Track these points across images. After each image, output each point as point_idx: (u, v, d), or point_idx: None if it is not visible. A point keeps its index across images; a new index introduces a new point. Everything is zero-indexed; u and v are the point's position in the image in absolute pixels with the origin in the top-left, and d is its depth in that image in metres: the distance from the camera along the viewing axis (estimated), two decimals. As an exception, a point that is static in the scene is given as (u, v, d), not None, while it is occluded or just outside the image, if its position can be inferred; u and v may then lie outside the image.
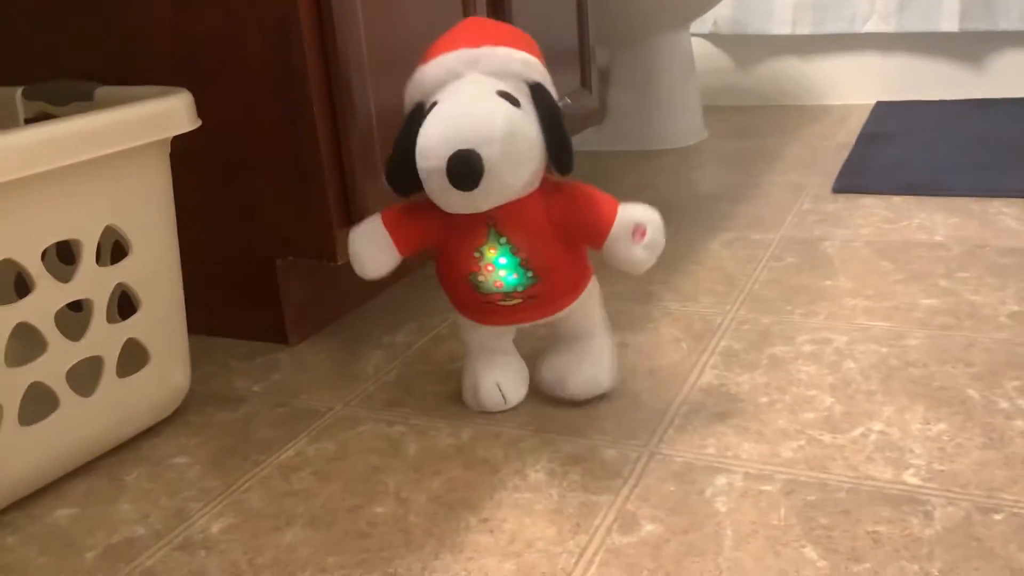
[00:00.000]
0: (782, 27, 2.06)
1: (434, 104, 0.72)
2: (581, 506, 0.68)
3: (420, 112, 0.74)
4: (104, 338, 0.77)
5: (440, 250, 0.78)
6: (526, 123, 0.71)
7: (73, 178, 0.72)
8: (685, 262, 1.17)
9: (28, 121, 0.91)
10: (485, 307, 0.78)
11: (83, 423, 0.76)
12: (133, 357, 0.81)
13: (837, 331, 0.94)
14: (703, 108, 2.19)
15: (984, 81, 2.01)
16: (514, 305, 0.77)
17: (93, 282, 0.75)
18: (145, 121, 0.75)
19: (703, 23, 2.15)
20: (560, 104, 0.76)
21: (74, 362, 0.75)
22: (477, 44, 0.74)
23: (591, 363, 0.82)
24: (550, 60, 1.36)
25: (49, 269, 0.73)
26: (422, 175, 0.71)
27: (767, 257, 1.16)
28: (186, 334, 0.85)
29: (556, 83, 1.38)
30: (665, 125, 1.82)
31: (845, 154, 1.64)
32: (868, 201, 1.35)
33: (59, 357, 0.73)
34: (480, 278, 0.76)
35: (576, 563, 0.62)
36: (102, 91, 0.85)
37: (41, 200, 0.70)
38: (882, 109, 1.97)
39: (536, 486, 0.71)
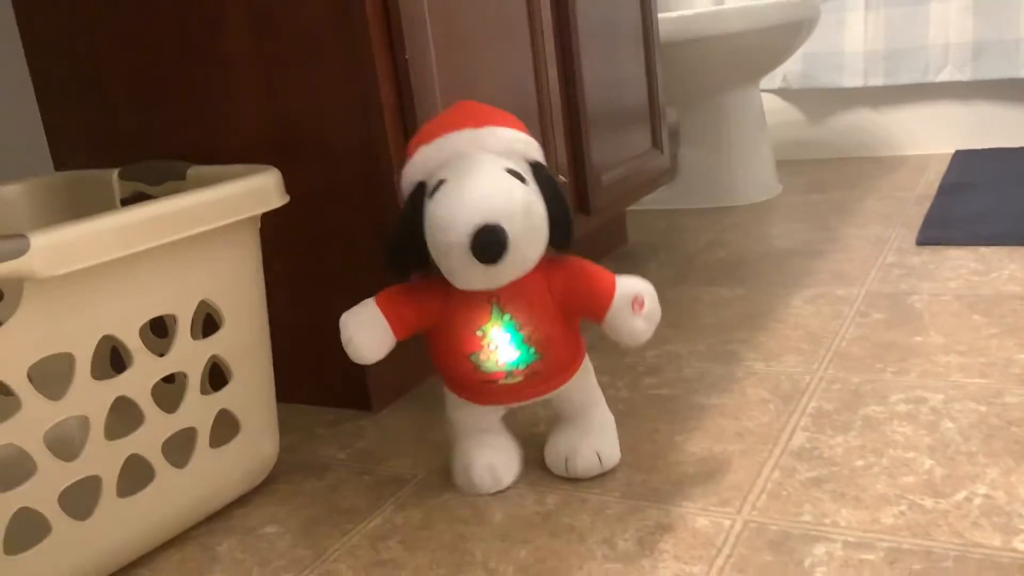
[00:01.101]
0: (853, 79, 2.05)
1: (441, 182, 0.72)
2: (674, 576, 0.67)
3: (423, 191, 0.74)
4: (198, 410, 0.79)
5: (438, 331, 0.77)
6: (537, 200, 0.72)
7: (169, 256, 0.75)
8: (766, 320, 1.15)
9: (124, 201, 0.95)
10: (485, 387, 0.77)
11: (177, 494, 0.78)
12: (225, 427, 0.82)
13: (932, 389, 0.91)
14: (776, 163, 2.17)
15: (1068, 126, 1.95)
16: (515, 384, 0.77)
17: (188, 355, 0.77)
18: (236, 199, 0.78)
19: (773, 78, 2.14)
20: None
21: (170, 434, 0.77)
22: (480, 124, 0.75)
23: (594, 439, 0.81)
24: (621, 121, 1.37)
25: (144, 341, 0.75)
26: (441, 250, 0.71)
27: (853, 313, 1.13)
28: (275, 404, 0.87)
29: (627, 143, 1.39)
30: (737, 181, 1.82)
31: (926, 205, 1.61)
32: (954, 253, 1.32)
33: (155, 429, 0.75)
34: (482, 357, 0.75)
35: (673, 637, 0.60)
36: (194, 171, 0.89)
37: (139, 277, 0.73)
38: (962, 158, 1.93)
39: (626, 556, 0.70)
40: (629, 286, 0.77)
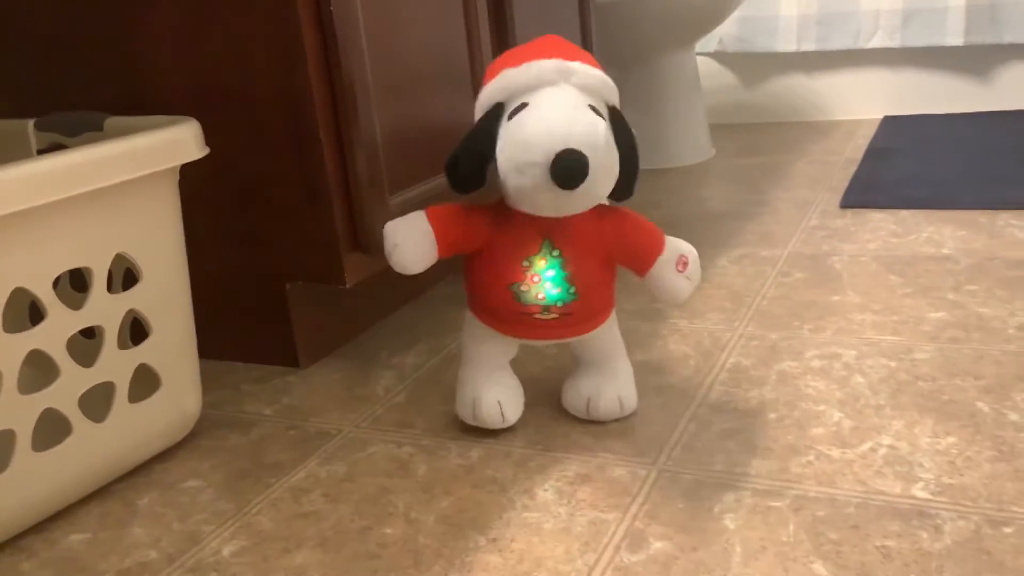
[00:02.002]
0: (787, 44, 2.07)
1: (523, 105, 0.72)
2: (590, 524, 0.68)
3: (499, 111, 0.74)
4: (116, 364, 0.78)
5: (482, 255, 0.78)
6: (613, 140, 0.73)
7: (84, 207, 0.73)
8: (693, 279, 1.17)
9: (40, 152, 0.93)
10: (520, 318, 0.78)
11: (96, 449, 0.77)
12: (145, 383, 0.82)
13: (846, 346, 0.94)
14: (710, 126, 2.20)
15: (990, 94, 2.01)
16: (549, 320, 0.78)
17: (104, 309, 0.76)
18: (154, 150, 0.76)
19: (708, 42, 2.16)
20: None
21: (86, 388, 0.76)
22: (571, 58, 0.75)
23: (617, 385, 0.83)
24: (555, 82, 1.37)
25: (62, 297, 0.74)
26: (517, 169, 0.71)
27: (775, 273, 1.16)
28: (197, 359, 0.86)
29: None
30: (672, 144, 1.83)
31: (853, 169, 1.65)
32: (876, 216, 1.36)
33: (71, 383, 0.74)
34: (523, 288, 0.76)
35: (585, 581, 0.62)
36: (112, 121, 0.87)
37: (52, 229, 0.71)
38: (889, 124, 1.97)
39: (545, 505, 0.71)
40: (676, 244, 0.79)
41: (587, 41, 1.48)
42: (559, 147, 0.69)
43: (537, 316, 0.77)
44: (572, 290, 0.76)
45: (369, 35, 0.95)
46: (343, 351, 1.06)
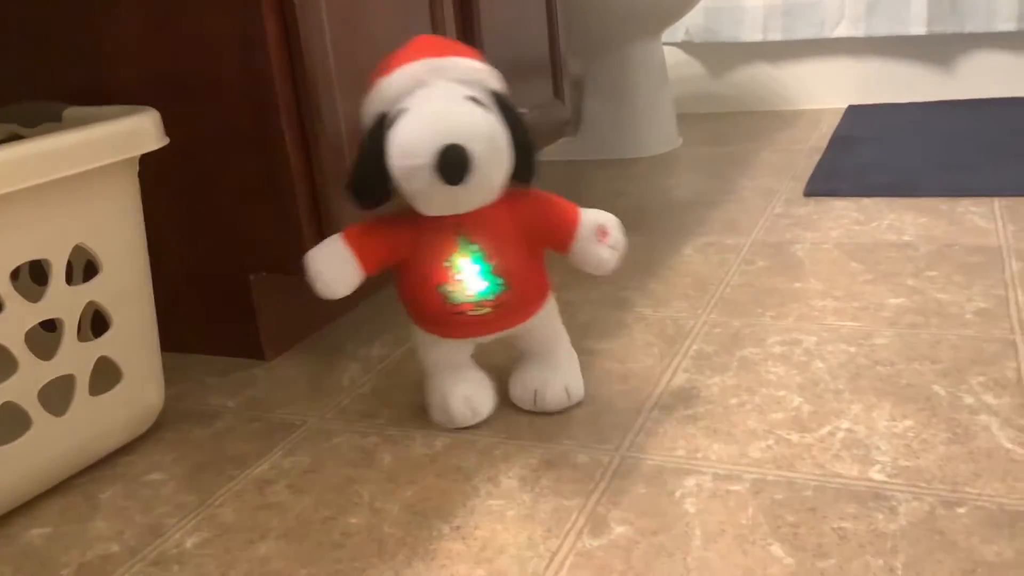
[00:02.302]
0: (753, 34, 2.09)
1: (401, 111, 0.72)
2: (553, 511, 0.69)
3: (384, 122, 0.74)
4: (75, 357, 0.77)
5: (407, 264, 0.78)
6: (500, 126, 0.73)
7: (41, 198, 0.73)
8: (659, 267, 1.18)
9: (-2, 143, 0.91)
10: (454, 319, 0.78)
11: (56, 442, 0.76)
12: (106, 375, 0.81)
13: (806, 332, 0.95)
14: (677, 116, 2.21)
15: (953, 83, 2.04)
16: (484, 315, 0.78)
17: (63, 301, 0.76)
18: (112, 140, 0.76)
19: (675, 32, 2.17)
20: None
21: (46, 381, 0.75)
22: (439, 54, 0.75)
23: (562, 374, 0.83)
24: (521, 71, 1.37)
25: (21, 290, 0.73)
26: (403, 175, 0.71)
27: (739, 261, 1.17)
28: (159, 351, 0.86)
29: (528, 94, 1.40)
30: (639, 134, 1.84)
31: (817, 158, 1.66)
32: (839, 204, 1.37)
33: (30, 376, 0.74)
34: (450, 288, 0.76)
35: (547, 567, 0.63)
36: (70, 111, 0.86)
37: (9, 220, 0.71)
38: (854, 113, 1.99)
39: (508, 492, 0.72)
40: (593, 216, 0.78)
41: (553, 30, 1.48)
42: (440, 144, 0.69)
43: (471, 313, 0.77)
44: (500, 281, 0.76)
45: (332, 24, 0.94)
46: (308, 343, 1.06)
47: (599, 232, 0.78)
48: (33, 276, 0.91)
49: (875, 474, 0.69)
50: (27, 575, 0.68)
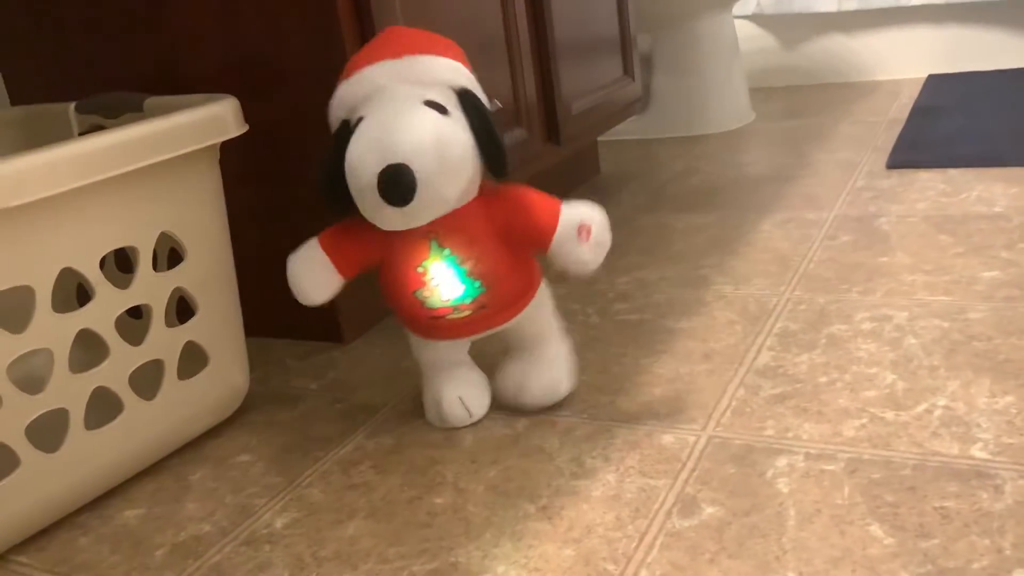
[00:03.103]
0: (827, 4, 2.03)
1: (360, 119, 0.70)
2: (640, 491, 0.68)
3: (346, 129, 0.71)
4: (164, 342, 0.78)
5: (383, 268, 0.75)
6: (457, 130, 0.69)
7: (126, 187, 0.74)
8: (736, 244, 1.15)
9: (82, 135, 0.94)
10: (434, 323, 0.75)
11: (147, 425, 0.78)
12: (193, 360, 0.82)
13: (896, 307, 0.92)
14: (749, 90, 2.16)
15: (1041, 47, 1.95)
16: (463, 318, 0.75)
17: (151, 288, 0.77)
18: (194, 128, 0.77)
19: (746, 4, 2.12)
20: (490, 107, 0.73)
21: (136, 366, 0.77)
22: (399, 54, 0.72)
23: (547, 369, 0.80)
24: (591, 50, 1.36)
25: (108, 277, 0.75)
26: (354, 195, 0.69)
27: (821, 236, 1.14)
28: (243, 335, 0.87)
29: (598, 73, 1.38)
30: (711, 109, 1.80)
31: (898, 130, 1.61)
32: (924, 175, 1.32)
33: (121, 362, 0.75)
34: (426, 294, 0.73)
35: (636, 547, 0.62)
36: (151, 101, 0.87)
37: (97, 209, 0.72)
38: (934, 82, 1.92)
39: (593, 473, 0.71)
40: (574, 214, 0.73)
41: (622, 6, 1.46)
42: (380, 166, 0.66)
43: (450, 317, 0.75)
44: (476, 284, 0.73)
45: (404, 7, 0.94)
46: (386, 325, 1.07)
47: (581, 230, 0.72)
48: (118, 264, 0.93)
49: (977, 452, 0.67)
50: (123, 555, 0.70)
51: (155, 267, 0.78)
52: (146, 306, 0.77)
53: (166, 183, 0.77)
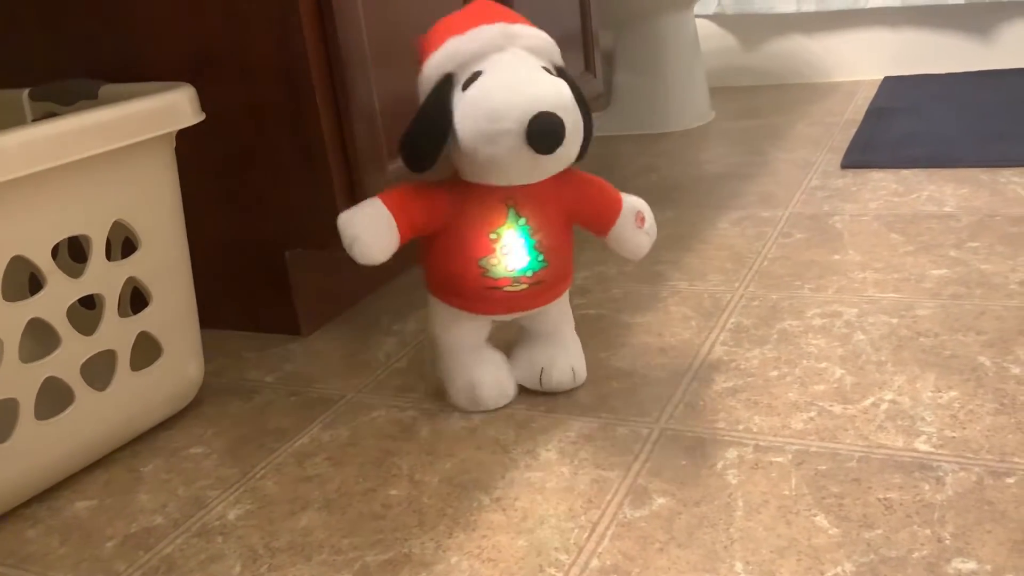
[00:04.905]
0: (787, 5, 2.05)
1: (477, 74, 0.71)
2: (592, 483, 0.69)
3: (450, 83, 0.72)
4: (116, 332, 0.78)
5: (445, 233, 0.76)
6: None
7: (80, 174, 0.73)
8: (693, 241, 1.17)
9: (35, 121, 0.92)
10: (490, 294, 0.76)
11: (99, 417, 0.77)
12: (146, 351, 0.82)
13: (847, 304, 0.93)
14: (709, 89, 2.18)
15: (992, 52, 1.99)
16: (519, 291, 0.76)
17: (103, 277, 0.76)
18: (149, 115, 0.76)
19: (707, 4, 2.14)
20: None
21: (88, 356, 0.76)
22: (514, 20, 0.74)
23: (569, 354, 0.82)
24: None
25: (61, 266, 0.74)
26: (486, 138, 0.68)
27: (776, 234, 1.16)
28: (198, 326, 0.86)
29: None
30: (671, 107, 1.82)
31: (853, 130, 1.63)
32: (877, 175, 1.35)
33: (73, 352, 0.74)
34: (492, 261, 0.75)
35: (588, 537, 0.62)
36: (107, 89, 0.86)
37: (49, 197, 0.71)
38: (890, 84, 1.96)
39: (547, 465, 0.72)
40: (633, 202, 0.79)
41: (585, 2, 1.46)
42: (532, 111, 0.67)
43: (508, 289, 0.75)
44: (540, 257, 0.75)
45: (365, 2, 0.93)
46: (344, 318, 1.06)
47: (637, 217, 0.78)
48: (71, 253, 0.92)
49: (921, 445, 0.68)
50: (73, 547, 0.69)
51: (108, 256, 0.78)
52: (99, 296, 0.76)
53: (121, 171, 0.76)
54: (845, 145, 1.54)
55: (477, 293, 0.76)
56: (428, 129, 0.72)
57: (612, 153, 1.70)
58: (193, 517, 0.71)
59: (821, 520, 0.61)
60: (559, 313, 0.82)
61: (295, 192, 0.95)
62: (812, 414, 0.74)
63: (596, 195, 0.78)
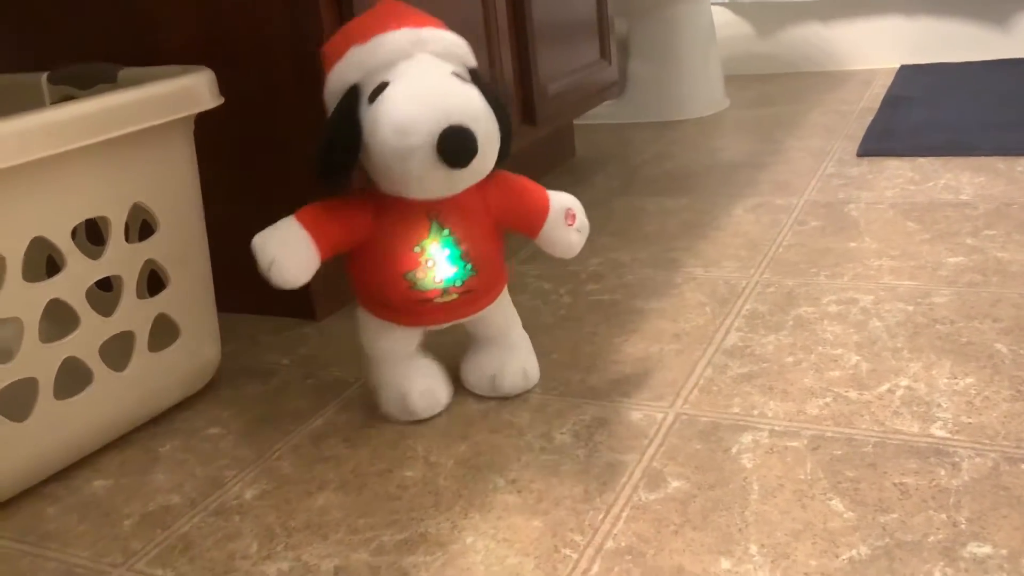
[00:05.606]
0: (803, -7, 2.04)
1: (383, 85, 0.67)
2: (607, 466, 0.69)
3: (356, 94, 0.69)
4: (135, 313, 0.78)
5: (367, 248, 0.73)
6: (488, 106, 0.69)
7: (99, 157, 0.73)
8: (707, 228, 1.16)
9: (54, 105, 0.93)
10: (418, 307, 0.74)
11: (117, 397, 0.78)
12: (164, 332, 0.82)
13: (863, 291, 0.93)
14: (724, 77, 2.17)
15: (1008, 41, 1.98)
16: (449, 302, 0.74)
17: (122, 259, 0.77)
18: (168, 99, 0.76)
19: (722, -8, 2.13)
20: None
21: (106, 337, 0.76)
22: (420, 24, 0.70)
23: (518, 357, 0.80)
24: (568, 32, 1.36)
25: (79, 247, 0.74)
26: (396, 155, 0.65)
27: (791, 221, 1.15)
28: (215, 308, 0.87)
29: (574, 55, 1.38)
30: (686, 95, 1.81)
31: (869, 118, 1.63)
32: (893, 164, 1.34)
33: (91, 332, 0.75)
34: (419, 275, 0.72)
35: (603, 519, 0.63)
36: (125, 73, 0.87)
37: (68, 179, 0.72)
38: (906, 72, 1.95)
39: (562, 448, 0.72)
40: (561, 199, 0.77)
41: (600, -10, 1.46)
42: (442, 124, 0.64)
43: (438, 300, 0.73)
44: (469, 267, 0.73)
45: (380, -18, 0.93)
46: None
47: (567, 215, 0.76)
48: (88, 235, 0.93)
49: (936, 430, 0.68)
50: (91, 525, 0.70)
51: (126, 238, 0.78)
52: (117, 277, 0.77)
53: (140, 154, 0.76)
54: (860, 133, 1.53)
55: (406, 306, 0.74)
56: (336, 146, 0.68)
57: (626, 140, 1.70)
58: (210, 496, 0.71)
59: (836, 504, 0.61)
60: (502, 316, 0.80)
61: (310, 176, 0.96)
62: (828, 400, 0.74)
63: (522, 197, 0.75)
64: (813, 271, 0.99)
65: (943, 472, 0.63)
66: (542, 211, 0.76)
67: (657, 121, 1.82)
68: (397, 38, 0.69)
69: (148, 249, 0.79)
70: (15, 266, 0.69)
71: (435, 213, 0.72)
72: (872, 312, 0.88)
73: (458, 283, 0.73)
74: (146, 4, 0.96)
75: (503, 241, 0.78)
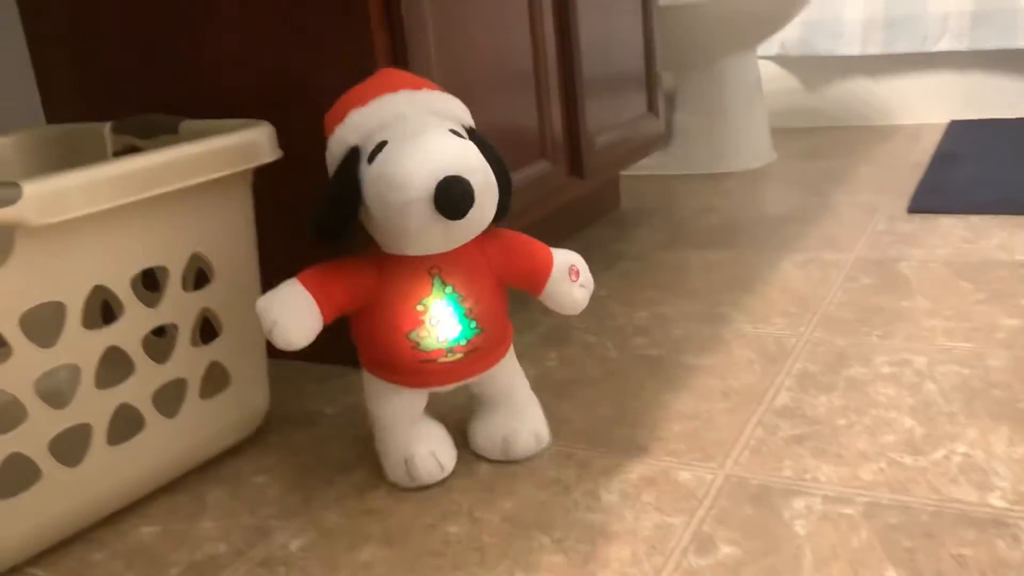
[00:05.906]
0: (851, 47, 2.04)
1: (382, 144, 0.69)
2: (656, 528, 0.68)
3: (356, 156, 0.70)
4: (188, 361, 0.79)
5: (370, 309, 0.73)
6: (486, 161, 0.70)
7: (161, 208, 0.75)
8: (755, 283, 1.16)
9: (116, 155, 0.95)
10: (423, 367, 0.73)
11: (167, 443, 0.79)
12: (215, 380, 0.83)
13: (916, 352, 0.92)
14: (771, 130, 2.17)
15: (1064, 97, 1.95)
16: (454, 362, 0.73)
17: (179, 307, 0.78)
18: (229, 152, 0.78)
19: (770, 45, 2.14)
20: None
21: (160, 384, 0.78)
22: (417, 86, 0.72)
23: (528, 419, 0.79)
24: (616, 85, 1.37)
25: (136, 295, 0.76)
26: (393, 210, 0.66)
27: (841, 278, 1.14)
28: (265, 357, 0.88)
29: (622, 108, 1.39)
30: (732, 148, 1.82)
31: (919, 174, 1.61)
32: (945, 221, 1.33)
33: (146, 379, 0.76)
34: (422, 334, 0.71)
35: (652, 584, 0.62)
36: (187, 124, 0.89)
37: (130, 229, 0.73)
38: (956, 128, 1.93)
39: (609, 507, 0.71)
40: (565, 256, 0.76)
41: (649, 44, 1.47)
42: (438, 177, 0.65)
43: (442, 360, 0.73)
44: (473, 325, 0.72)
45: (437, 41, 0.95)
46: (405, 352, 1.07)
47: (571, 272, 0.76)
48: (143, 282, 0.95)
49: (995, 500, 0.66)
50: (138, 572, 0.70)
51: (182, 286, 0.79)
52: (172, 325, 0.78)
53: (200, 205, 0.78)
54: (910, 189, 1.51)
55: (410, 367, 0.73)
56: (336, 206, 0.69)
57: (672, 192, 1.70)
58: (256, 546, 0.71)
59: (892, 574, 0.60)
60: (508, 375, 0.79)
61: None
62: (882, 465, 0.73)
63: (524, 253, 0.75)
64: (864, 330, 0.98)
65: (1002, 544, 0.62)
66: (545, 268, 0.75)
67: (704, 173, 1.82)
68: (395, 100, 0.71)
69: (204, 298, 0.80)
70: (75, 313, 0.70)
71: (436, 269, 0.71)
72: (926, 374, 0.87)
73: (463, 342, 0.73)
74: (208, 53, 0.99)
75: (507, 298, 0.77)
